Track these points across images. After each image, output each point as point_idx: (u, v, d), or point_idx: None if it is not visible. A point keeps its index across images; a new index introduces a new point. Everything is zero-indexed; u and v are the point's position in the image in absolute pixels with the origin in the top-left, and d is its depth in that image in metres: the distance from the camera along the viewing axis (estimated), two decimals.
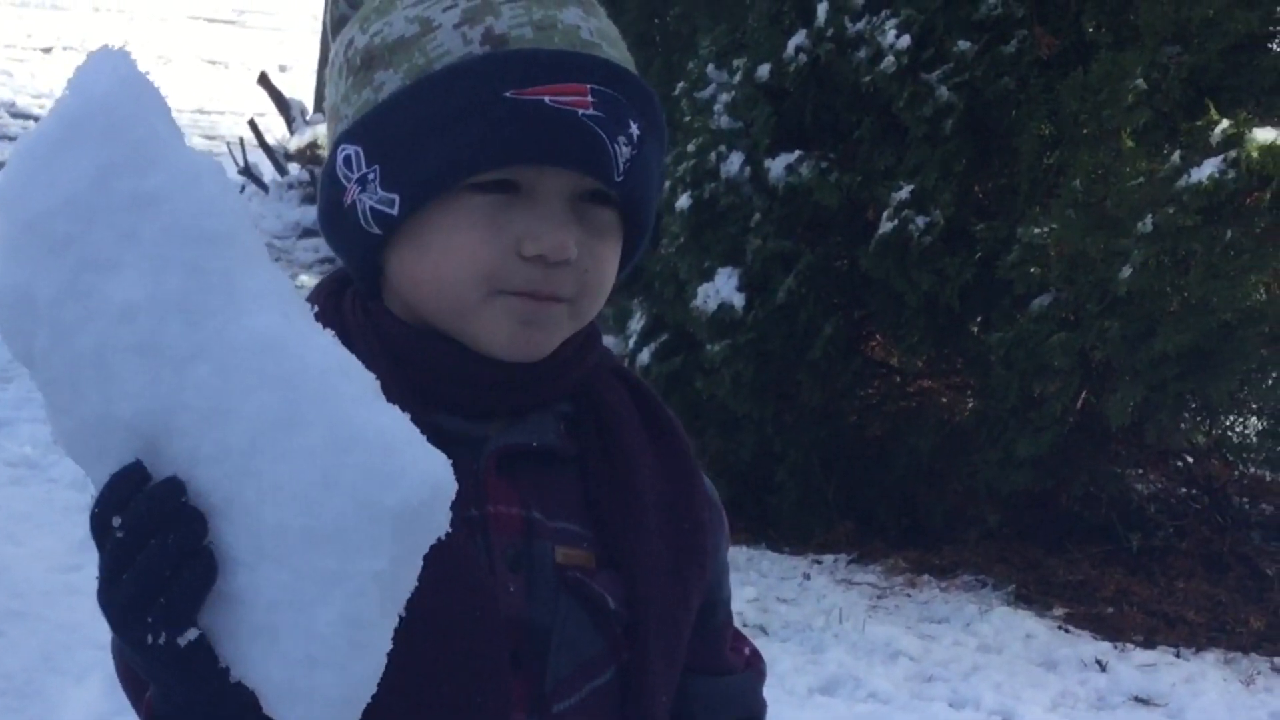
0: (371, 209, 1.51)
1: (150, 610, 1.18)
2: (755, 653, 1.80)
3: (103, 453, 1.22)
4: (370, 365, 1.36)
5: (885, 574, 6.95)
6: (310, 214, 12.25)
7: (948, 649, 6.06)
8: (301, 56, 21.25)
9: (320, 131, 14.12)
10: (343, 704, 1.21)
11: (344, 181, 1.54)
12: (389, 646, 1.21)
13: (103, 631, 1.34)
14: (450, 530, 1.22)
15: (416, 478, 1.18)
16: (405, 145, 1.50)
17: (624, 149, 1.50)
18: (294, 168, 14.16)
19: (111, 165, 1.19)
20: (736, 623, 5.85)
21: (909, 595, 6.70)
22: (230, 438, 1.18)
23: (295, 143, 14.55)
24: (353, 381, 1.21)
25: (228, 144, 14.32)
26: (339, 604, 1.18)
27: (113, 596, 1.20)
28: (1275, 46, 6.06)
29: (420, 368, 1.51)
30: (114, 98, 1.20)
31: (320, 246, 12.10)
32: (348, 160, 1.53)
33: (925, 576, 6.90)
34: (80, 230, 1.19)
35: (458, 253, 1.49)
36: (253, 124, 14.61)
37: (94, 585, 1.28)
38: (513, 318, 1.50)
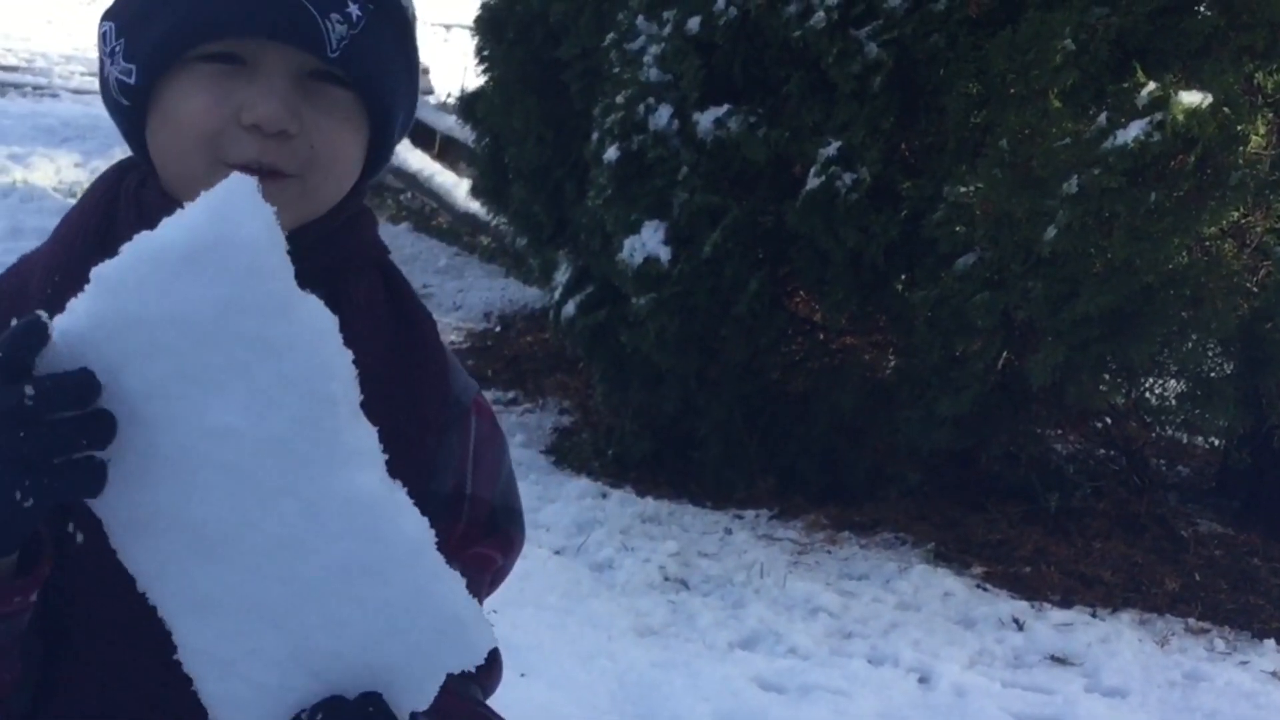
0: (116, 80, 1.63)
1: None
2: (486, 557, 1.83)
3: (149, 529, 1.32)
4: (126, 239, 1.46)
5: (806, 530, 6.96)
6: None
7: (867, 606, 6.09)
8: None
9: None
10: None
11: (104, 58, 1.65)
12: None
13: None
14: None
15: (479, 650, 1.36)
16: (141, 18, 1.60)
17: (338, 26, 1.57)
18: None
19: (240, 302, 1.26)
20: (657, 576, 5.82)
21: (829, 552, 6.71)
22: (302, 570, 1.32)
23: None
24: (436, 556, 1.35)
25: None
26: None
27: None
28: (1202, 10, 6.06)
29: None
30: (256, 240, 1.27)
31: None
32: (104, 36, 1.64)
33: (846, 533, 6.92)
34: (189, 347, 1.27)
35: (185, 118, 1.58)
36: None
37: None
38: None
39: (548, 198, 8.64)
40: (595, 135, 7.46)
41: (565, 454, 7.82)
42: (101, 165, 12.15)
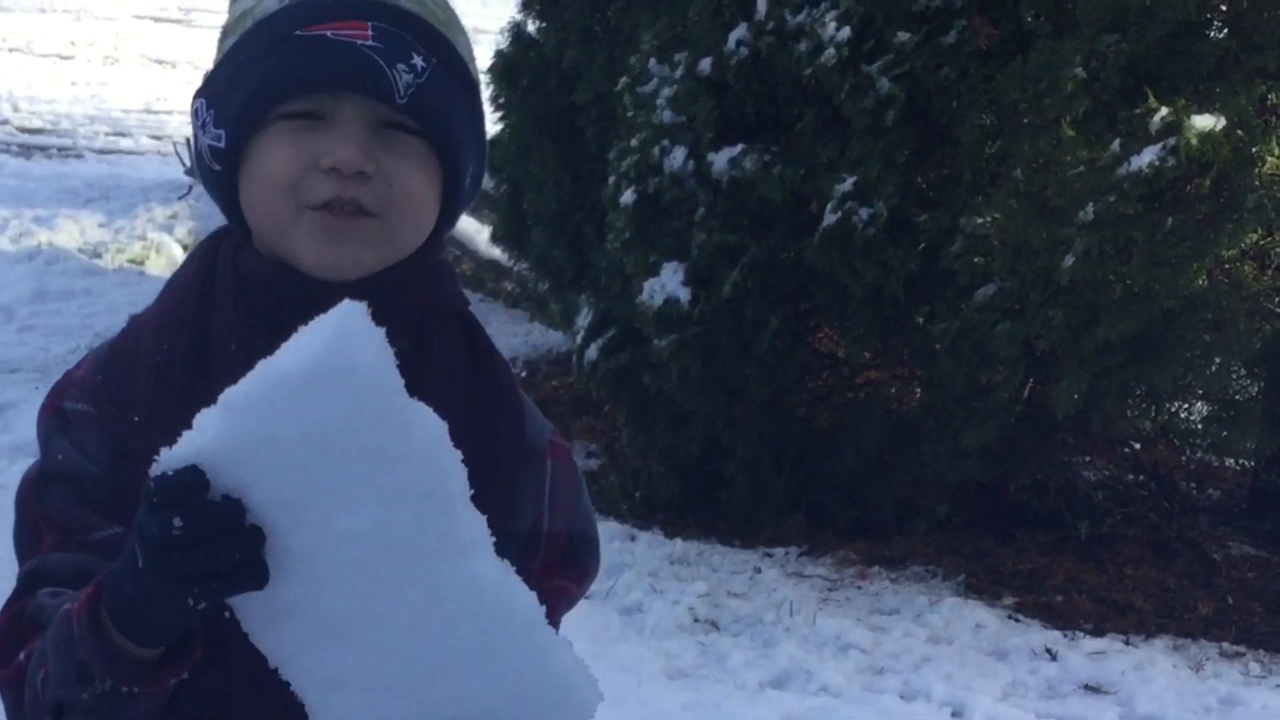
0: (208, 146, 1.78)
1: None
2: (563, 588, 1.98)
3: (283, 620, 1.47)
4: (226, 300, 1.75)
5: (836, 566, 6.94)
6: None
7: (898, 640, 6.07)
8: None
9: None
10: None
11: (197, 131, 1.81)
12: None
13: None
14: None
15: (590, 708, 1.53)
16: (227, 87, 1.77)
17: (404, 75, 1.73)
18: None
19: (360, 419, 1.39)
20: (686, 618, 5.84)
21: (859, 587, 6.70)
22: (427, 652, 1.48)
23: None
24: (548, 629, 1.52)
25: (174, 144, 14.22)
26: None
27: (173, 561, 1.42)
28: (1212, 33, 6.07)
29: (263, 293, 1.76)
30: (372, 363, 1.39)
31: None
32: (196, 111, 1.81)
33: (875, 568, 6.91)
34: (315, 462, 1.40)
35: (269, 169, 1.74)
36: None
37: None
38: (317, 233, 1.73)
39: (567, 242, 8.67)
40: (612, 179, 7.48)
41: (593, 497, 7.74)
42: (126, 225, 12.28)
